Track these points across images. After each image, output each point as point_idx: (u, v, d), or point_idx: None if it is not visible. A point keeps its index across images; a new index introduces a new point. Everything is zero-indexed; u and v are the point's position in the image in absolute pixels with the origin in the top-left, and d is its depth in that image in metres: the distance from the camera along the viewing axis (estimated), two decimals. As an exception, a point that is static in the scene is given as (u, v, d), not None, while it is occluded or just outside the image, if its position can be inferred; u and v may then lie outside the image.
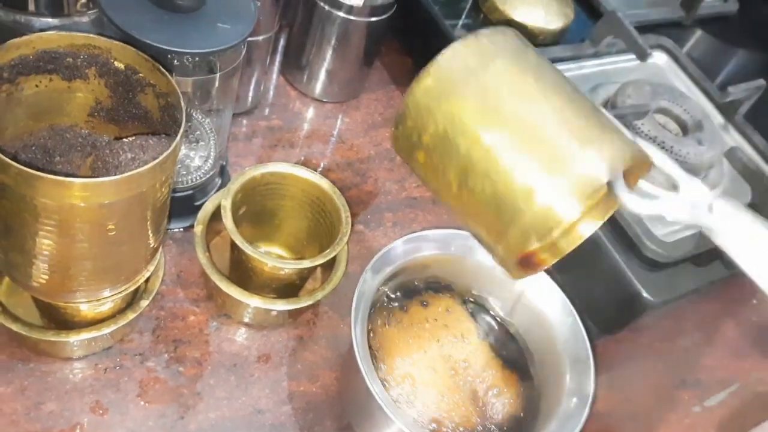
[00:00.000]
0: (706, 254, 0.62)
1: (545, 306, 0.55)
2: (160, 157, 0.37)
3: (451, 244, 0.56)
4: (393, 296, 0.55)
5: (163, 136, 0.40)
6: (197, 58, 0.48)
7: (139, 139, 0.39)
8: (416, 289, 0.57)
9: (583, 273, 0.64)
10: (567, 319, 0.54)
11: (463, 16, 0.77)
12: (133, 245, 0.42)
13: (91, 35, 0.40)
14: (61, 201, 0.36)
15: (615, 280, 0.59)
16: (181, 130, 0.38)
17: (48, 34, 0.39)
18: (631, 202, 0.39)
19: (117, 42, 0.41)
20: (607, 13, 0.73)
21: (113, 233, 0.39)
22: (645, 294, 0.58)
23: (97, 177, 0.38)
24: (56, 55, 0.40)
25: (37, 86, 0.41)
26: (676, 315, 0.71)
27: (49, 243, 0.39)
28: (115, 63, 0.42)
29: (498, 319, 0.57)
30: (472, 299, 0.58)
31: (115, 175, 0.38)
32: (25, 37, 0.38)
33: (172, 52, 0.44)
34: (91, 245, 0.39)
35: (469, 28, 0.76)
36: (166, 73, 0.41)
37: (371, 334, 0.53)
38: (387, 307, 0.55)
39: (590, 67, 0.75)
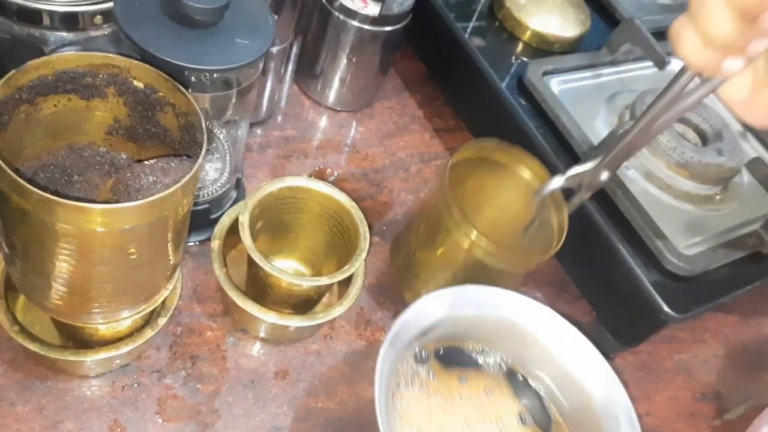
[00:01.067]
0: (728, 267, 0.62)
1: (593, 388, 0.50)
2: (182, 181, 0.36)
3: (491, 304, 0.51)
4: (423, 356, 0.50)
5: (185, 157, 0.39)
6: (215, 75, 0.47)
7: (161, 161, 0.39)
8: (453, 352, 0.51)
9: (603, 285, 0.63)
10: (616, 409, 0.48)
11: (474, 19, 0.76)
12: (154, 266, 0.42)
13: (111, 55, 0.40)
14: (81, 226, 0.35)
15: (635, 293, 0.59)
16: (203, 152, 0.38)
17: (67, 55, 0.39)
18: None
19: (136, 61, 0.40)
20: (625, 21, 0.72)
21: (134, 257, 0.38)
22: (666, 308, 0.57)
23: (119, 200, 0.38)
24: (75, 75, 0.40)
25: (55, 106, 0.41)
26: (694, 327, 0.70)
27: (68, 267, 0.38)
28: (135, 82, 0.41)
29: (544, 401, 0.52)
30: (520, 374, 0.53)
31: (137, 198, 0.37)
32: (44, 58, 0.38)
33: (190, 69, 0.44)
34: (111, 269, 0.39)
35: (483, 35, 0.75)
36: (187, 93, 0.40)
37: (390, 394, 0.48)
38: (415, 363, 0.50)
39: (607, 75, 0.74)
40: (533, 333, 0.52)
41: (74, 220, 0.35)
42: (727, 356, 0.69)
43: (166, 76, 0.40)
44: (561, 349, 0.52)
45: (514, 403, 0.52)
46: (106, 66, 0.40)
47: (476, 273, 0.53)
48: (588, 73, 0.72)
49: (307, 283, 0.53)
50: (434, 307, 0.49)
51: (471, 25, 0.76)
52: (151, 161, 0.39)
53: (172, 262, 0.44)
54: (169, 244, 0.41)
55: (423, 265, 0.56)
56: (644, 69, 0.76)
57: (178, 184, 0.36)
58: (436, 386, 0.50)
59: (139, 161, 0.42)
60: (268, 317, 0.52)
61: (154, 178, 0.38)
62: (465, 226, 0.51)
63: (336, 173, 0.70)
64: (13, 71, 0.37)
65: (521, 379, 0.53)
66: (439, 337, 0.51)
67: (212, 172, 0.59)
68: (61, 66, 0.39)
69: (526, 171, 0.58)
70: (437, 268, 0.55)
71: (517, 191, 0.59)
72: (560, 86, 0.70)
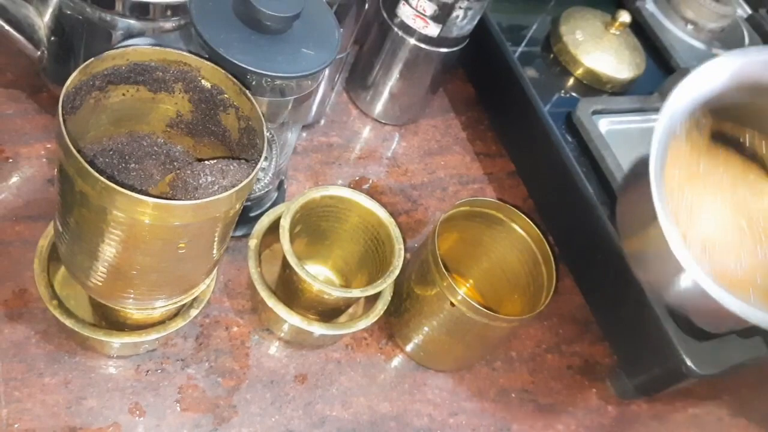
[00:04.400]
0: (755, 329, 0.61)
1: None
2: (239, 185, 0.37)
3: None
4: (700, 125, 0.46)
5: (243, 161, 0.40)
6: (276, 81, 0.48)
7: (220, 163, 0.40)
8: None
9: (627, 331, 0.63)
10: None
11: (529, 49, 0.77)
12: (198, 261, 0.43)
13: (184, 53, 0.41)
14: (136, 217, 0.36)
15: (659, 344, 0.58)
16: (261, 158, 0.39)
17: (143, 48, 0.40)
18: None
19: (207, 62, 0.41)
20: (680, 70, 0.72)
21: (182, 251, 0.39)
22: (690, 363, 0.57)
23: (176, 196, 0.39)
24: (147, 68, 0.41)
25: (123, 95, 0.42)
26: (713, 383, 0.70)
27: (116, 252, 0.39)
28: (203, 81, 0.42)
29: None
30: None
31: (194, 195, 0.38)
32: (120, 49, 0.39)
33: (254, 74, 0.45)
34: (158, 260, 0.40)
35: (537, 66, 0.75)
36: (251, 98, 0.41)
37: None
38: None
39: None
40: None
41: (131, 211, 0.36)
42: (742, 416, 0.69)
43: (234, 80, 0.41)
44: None
45: None
46: (178, 63, 0.41)
47: (462, 326, 0.54)
48: (637, 117, 0.72)
49: (338, 294, 0.54)
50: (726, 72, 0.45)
51: (524, 54, 0.76)
52: (212, 162, 0.40)
53: (215, 258, 0.45)
54: (215, 242, 0.42)
55: (413, 313, 0.57)
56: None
57: (235, 189, 0.37)
58: (706, 154, 0.47)
59: (199, 160, 0.43)
60: (293, 320, 0.53)
61: (213, 179, 0.39)
62: (448, 284, 0.52)
63: (374, 184, 0.70)
64: (92, 59, 0.38)
65: None
66: (722, 110, 0.47)
67: (258, 172, 0.60)
68: (136, 58, 0.40)
69: (519, 227, 0.59)
70: (424, 317, 0.56)
71: (512, 245, 0.59)
72: (608, 126, 0.70)
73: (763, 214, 0.45)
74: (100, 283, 0.43)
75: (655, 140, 0.42)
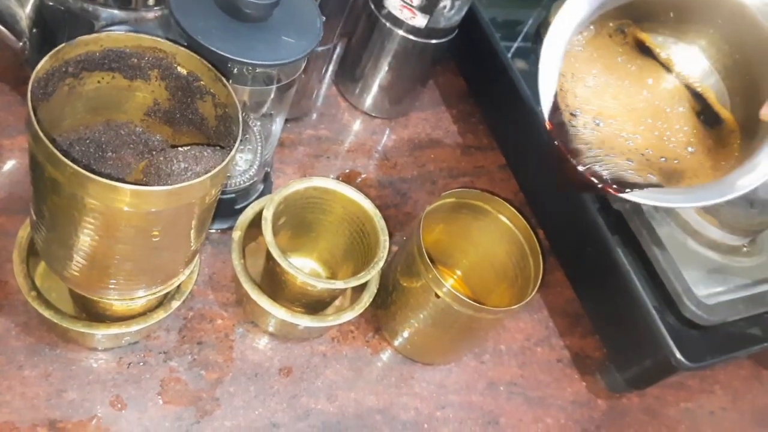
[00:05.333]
0: (746, 321, 0.61)
1: None
2: (212, 171, 0.36)
3: None
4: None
5: (218, 148, 0.40)
6: (258, 70, 0.47)
7: (194, 149, 0.39)
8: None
9: (617, 323, 0.63)
10: None
11: (519, 40, 0.76)
12: (175, 250, 0.42)
13: (158, 39, 0.40)
14: (109, 204, 0.36)
15: (649, 336, 0.58)
16: (236, 145, 0.38)
17: (117, 34, 0.39)
18: None
19: (182, 48, 0.41)
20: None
21: (157, 239, 0.39)
22: (678, 355, 0.56)
23: (149, 183, 0.39)
24: (122, 55, 0.40)
25: (99, 82, 0.41)
26: (704, 376, 0.69)
27: (91, 241, 0.39)
28: (179, 68, 0.42)
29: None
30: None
31: (167, 182, 0.38)
32: (94, 35, 0.39)
33: (234, 62, 0.44)
34: (134, 248, 0.39)
35: (527, 58, 0.75)
36: (227, 85, 0.41)
37: None
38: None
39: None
40: None
41: (103, 197, 0.35)
42: (734, 410, 0.68)
43: (210, 65, 0.41)
44: None
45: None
46: (153, 49, 0.41)
47: (449, 318, 0.53)
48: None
49: (322, 285, 0.53)
50: None
51: (516, 46, 0.75)
52: (185, 148, 0.39)
53: (192, 248, 0.44)
54: (192, 231, 0.41)
55: (399, 305, 0.56)
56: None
57: (208, 174, 0.36)
58: (628, 54, 0.52)
59: (174, 146, 0.42)
60: (278, 313, 0.52)
61: (186, 165, 0.38)
62: (434, 276, 0.51)
63: (363, 178, 0.70)
64: (63, 45, 0.37)
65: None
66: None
67: (242, 163, 0.59)
68: (110, 44, 0.39)
69: (506, 218, 0.58)
70: (410, 309, 0.55)
71: (500, 236, 0.59)
72: (598, 118, 0.69)
73: (667, 102, 0.50)
74: (77, 273, 0.42)
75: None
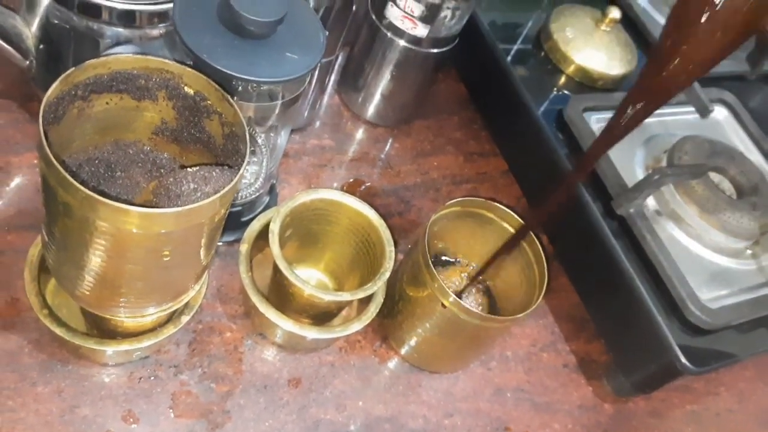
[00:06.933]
0: (751, 324, 0.61)
1: None
2: (222, 192, 0.37)
3: None
4: None
5: (226, 168, 0.40)
6: (262, 87, 0.48)
7: (203, 170, 0.40)
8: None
9: (622, 328, 0.63)
10: None
11: (519, 47, 0.77)
12: (185, 268, 0.43)
13: (166, 60, 0.41)
14: (120, 226, 0.36)
15: (653, 341, 0.58)
16: (244, 164, 0.39)
17: (125, 57, 0.40)
18: None
19: (189, 69, 0.41)
20: (672, 65, 0.71)
21: (167, 258, 0.39)
22: (683, 359, 0.57)
23: (159, 203, 0.39)
24: (130, 77, 0.41)
25: (107, 103, 0.42)
26: (709, 378, 0.69)
27: (102, 262, 0.39)
28: (186, 88, 0.42)
29: None
30: None
31: (177, 203, 0.38)
32: (102, 59, 0.39)
33: (239, 79, 0.45)
34: (144, 268, 0.40)
35: (527, 64, 0.75)
36: (234, 104, 0.41)
37: None
38: None
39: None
40: None
41: (114, 220, 0.36)
42: (740, 412, 0.68)
43: (216, 86, 0.41)
44: None
45: None
46: (160, 70, 0.41)
47: (455, 327, 0.54)
48: (629, 113, 0.72)
49: (329, 297, 0.54)
50: None
51: (516, 52, 0.76)
52: (194, 168, 0.40)
53: (202, 264, 0.45)
54: (201, 249, 0.42)
55: (406, 314, 0.57)
56: (686, 114, 0.76)
57: (217, 195, 0.37)
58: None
59: (182, 167, 0.43)
60: (286, 325, 0.53)
61: (195, 186, 0.39)
62: (439, 285, 0.52)
63: (367, 186, 0.70)
64: (72, 69, 0.38)
65: None
66: None
67: (248, 175, 0.60)
68: (118, 67, 0.40)
69: (511, 227, 0.58)
70: (417, 318, 0.56)
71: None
72: (599, 123, 0.70)
73: None
74: (88, 293, 0.43)
75: None
